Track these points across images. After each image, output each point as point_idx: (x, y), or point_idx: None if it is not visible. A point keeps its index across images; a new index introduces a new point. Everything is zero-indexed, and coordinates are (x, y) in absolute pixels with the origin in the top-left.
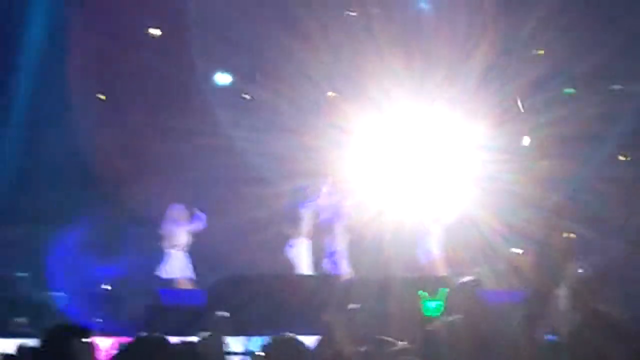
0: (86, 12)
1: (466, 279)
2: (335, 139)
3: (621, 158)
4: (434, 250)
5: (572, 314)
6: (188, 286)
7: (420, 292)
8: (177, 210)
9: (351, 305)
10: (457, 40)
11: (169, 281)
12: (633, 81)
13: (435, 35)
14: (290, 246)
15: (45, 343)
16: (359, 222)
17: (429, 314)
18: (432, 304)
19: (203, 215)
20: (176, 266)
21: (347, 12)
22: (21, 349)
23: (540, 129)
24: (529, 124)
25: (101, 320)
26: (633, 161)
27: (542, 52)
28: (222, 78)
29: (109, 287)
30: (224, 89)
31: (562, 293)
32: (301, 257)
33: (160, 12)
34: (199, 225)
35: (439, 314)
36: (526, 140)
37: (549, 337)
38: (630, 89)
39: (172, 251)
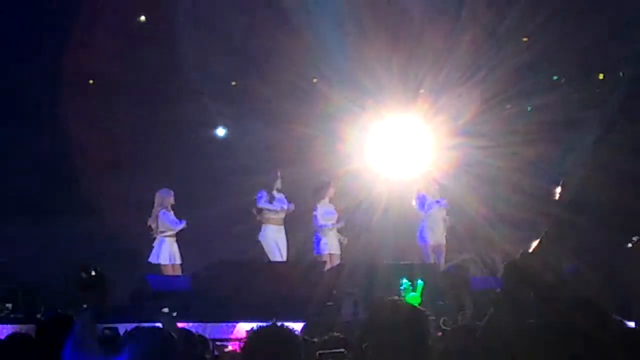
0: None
1: (453, 264)
2: (321, 126)
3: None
4: (427, 237)
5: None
6: (178, 272)
7: (405, 282)
8: (166, 195)
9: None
10: (444, 27)
11: (158, 266)
12: (617, 68)
13: (422, 22)
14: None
15: (38, 333)
16: (346, 209)
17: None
18: (410, 295)
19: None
20: (166, 252)
21: None
22: (14, 336)
23: (526, 115)
24: (516, 110)
25: (85, 306)
26: (618, 146)
27: (526, 39)
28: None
29: (94, 273)
30: (210, 78)
31: (548, 280)
32: (275, 244)
33: (147, 2)
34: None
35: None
36: None
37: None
38: (615, 76)
39: (161, 236)
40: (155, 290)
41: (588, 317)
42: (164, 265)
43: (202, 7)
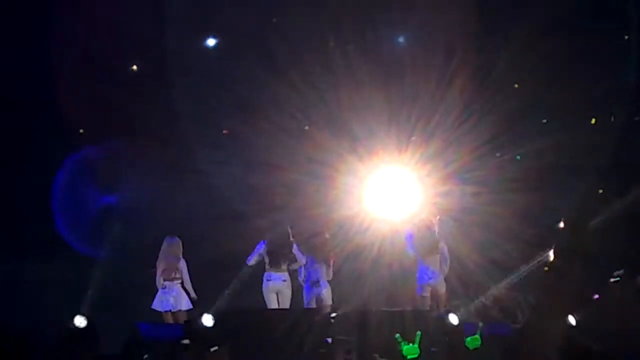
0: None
1: (444, 311)
2: (313, 173)
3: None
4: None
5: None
6: (184, 317)
7: (397, 336)
8: (173, 243)
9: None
10: (435, 73)
11: (165, 313)
12: (611, 113)
13: (413, 68)
14: (268, 280)
15: None
16: (339, 256)
17: (406, 355)
18: (408, 346)
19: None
20: (173, 298)
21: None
22: None
23: (518, 162)
24: (508, 157)
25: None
26: (612, 193)
27: (517, 85)
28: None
29: (85, 323)
30: (201, 121)
31: (554, 332)
32: (280, 291)
33: (140, 49)
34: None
35: (416, 356)
36: None
37: None
38: (608, 121)
39: (169, 283)
40: (147, 338)
41: None
42: (173, 311)
43: (193, 55)
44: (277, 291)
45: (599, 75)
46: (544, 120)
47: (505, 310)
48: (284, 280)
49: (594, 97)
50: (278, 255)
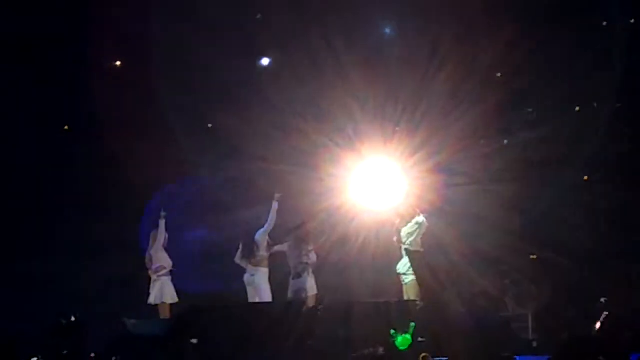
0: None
1: (430, 302)
2: (298, 164)
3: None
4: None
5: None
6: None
7: (392, 332)
8: (159, 236)
9: None
10: (421, 65)
11: (155, 307)
12: (596, 103)
13: (399, 59)
14: (252, 275)
15: None
16: (324, 247)
17: (398, 346)
18: (400, 339)
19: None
20: (162, 291)
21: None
22: None
23: (504, 153)
24: (494, 148)
25: (66, 352)
26: (597, 184)
27: (500, 75)
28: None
29: (73, 319)
30: (188, 114)
31: None
32: (262, 286)
33: (127, 40)
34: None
35: (406, 347)
36: None
37: None
38: (594, 111)
39: (156, 276)
40: (134, 334)
41: None
42: (164, 304)
43: (179, 47)
44: (248, 285)
45: (584, 65)
46: (530, 109)
47: (491, 300)
48: (252, 275)
49: (579, 86)
50: (246, 249)
